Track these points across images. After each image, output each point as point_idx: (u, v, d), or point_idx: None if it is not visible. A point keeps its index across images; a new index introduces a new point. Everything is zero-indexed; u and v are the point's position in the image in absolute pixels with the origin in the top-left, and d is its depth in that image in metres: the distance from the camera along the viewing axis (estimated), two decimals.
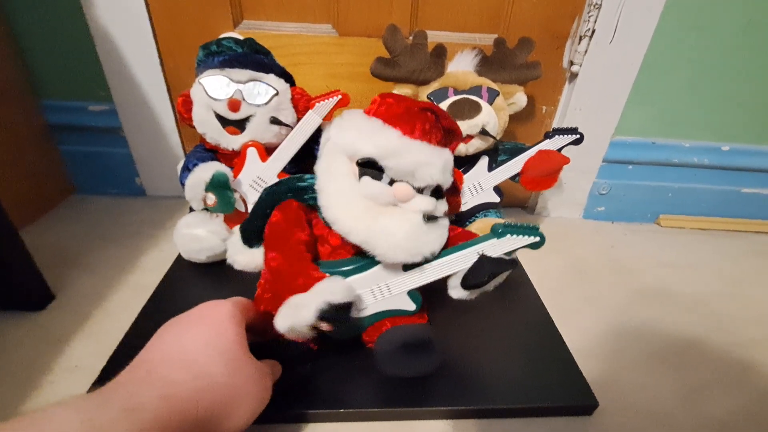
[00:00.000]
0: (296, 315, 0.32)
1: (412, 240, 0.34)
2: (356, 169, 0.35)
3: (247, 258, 0.48)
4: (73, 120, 0.66)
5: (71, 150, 0.69)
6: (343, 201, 0.35)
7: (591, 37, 0.61)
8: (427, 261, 0.37)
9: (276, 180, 0.51)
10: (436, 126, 0.35)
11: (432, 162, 0.34)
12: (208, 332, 0.30)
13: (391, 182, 0.35)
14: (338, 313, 0.32)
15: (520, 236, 0.36)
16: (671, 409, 0.42)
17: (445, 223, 0.38)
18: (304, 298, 0.33)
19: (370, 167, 0.35)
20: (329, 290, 0.33)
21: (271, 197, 0.41)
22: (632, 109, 0.68)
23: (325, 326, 0.33)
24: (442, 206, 0.37)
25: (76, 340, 0.44)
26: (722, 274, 0.65)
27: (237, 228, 0.45)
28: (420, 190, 0.35)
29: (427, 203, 0.35)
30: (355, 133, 0.35)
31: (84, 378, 0.39)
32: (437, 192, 0.37)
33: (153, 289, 0.49)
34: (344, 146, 0.36)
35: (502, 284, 0.40)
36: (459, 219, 0.58)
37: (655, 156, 0.72)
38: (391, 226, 0.34)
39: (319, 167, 0.38)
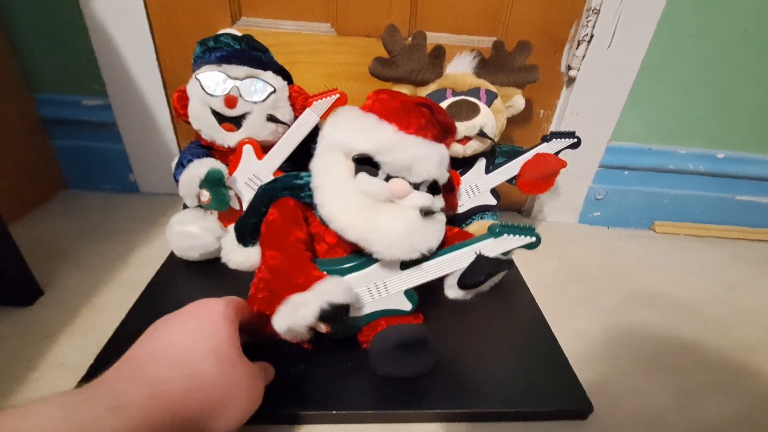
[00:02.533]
0: (296, 314, 0.32)
1: (409, 237, 0.34)
2: (352, 165, 0.35)
3: (242, 257, 0.47)
4: (66, 114, 0.65)
5: (64, 144, 0.68)
6: (339, 198, 0.35)
7: (589, 42, 0.61)
8: (424, 258, 0.36)
9: (272, 178, 0.51)
10: (432, 121, 0.35)
11: (428, 157, 0.34)
12: (200, 331, 0.29)
13: (388, 178, 0.34)
14: (338, 314, 0.32)
15: (517, 236, 0.36)
16: (665, 413, 0.42)
17: (441, 218, 0.37)
18: (305, 297, 0.32)
19: (366, 164, 0.34)
20: (330, 290, 0.33)
21: (266, 195, 0.40)
22: (629, 115, 0.68)
23: (323, 327, 0.33)
24: (438, 202, 0.37)
25: (64, 337, 0.43)
26: (716, 280, 0.66)
27: (231, 227, 0.44)
28: (416, 186, 0.35)
29: (424, 199, 0.35)
30: (351, 130, 0.35)
31: (70, 375, 0.38)
32: (434, 188, 0.37)
33: (144, 287, 0.48)
34: (339, 143, 0.35)
35: (498, 287, 0.40)
36: (456, 221, 0.58)
37: (651, 162, 0.73)
38: (387, 223, 0.34)
39: (315, 164, 0.37)
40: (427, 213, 0.35)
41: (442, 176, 0.36)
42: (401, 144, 0.34)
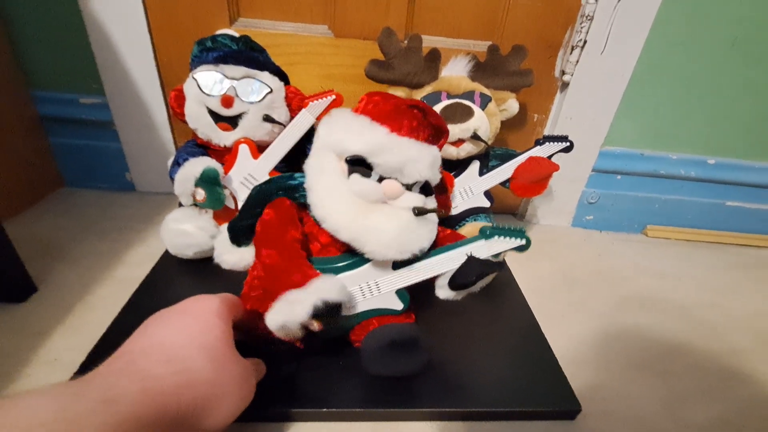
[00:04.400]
0: (290, 311, 0.32)
1: (402, 237, 0.35)
2: (345, 166, 0.35)
3: (236, 257, 0.48)
4: (64, 112, 0.65)
5: (61, 142, 0.68)
6: (332, 199, 0.35)
7: (583, 47, 0.62)
8: (416, 258, 0.37)
9: (267, 178, 0.51)
10: (424, 123, 0.36)
11: (420, 158, 0.35)
12: (193, 327, 0.30)
13: (380, 179, 0.35)
14: (332, 312, 0.32)
15: (507, 238, 0.37)
16: (653, 415, 0.43)
17: (433, 219, 0.38)
18: (300, 295, 0.33)
19: (358, 165, 0.35)
20: (325, 288, 0.33)
21: (261, 195, 0.40)
22: (622, 120, 0.69)
23: (316, 325, 0.33)
24: (431, 203, 0.38)
25: (57, 334, 0.43)
26: (706, 284, 0.66)
27: (224, 227, 0.45)
28: (409, 187, 0.35)
29: (416, 200, 0.36)
30: (344, 131, 0.35)
31: (62, 372, 0.39)
32: (426, 189, 0.37)
33: (138, 285, 0.49)
34: (333, 144, 0.36)
35: (490, 288, 0.41)
36: (449, 222, 0.58)
37: (644, 167, 0.73)
38: (380, 224, 0.34)
39: (309, 165, 0.38)
40: (420, 213, 0.35)
41: (435, 177, 0.37)
42: (394, 145, 0.34)
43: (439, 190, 0.40)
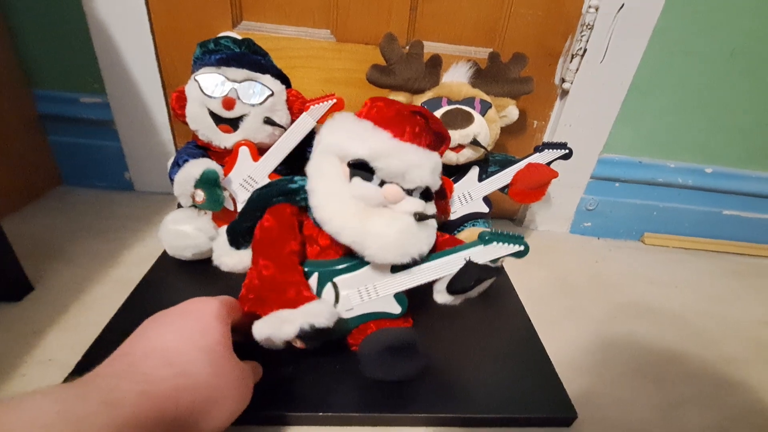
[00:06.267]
0: (278, 328, 0.33)
1: (402, 241, 0.35)
2: (347, 170, 0.36)
3: (234, 260, 0.47)
4: (64, 111, 0.65)
5: (61, 141, 0.68)
6: (333, 201, 0.35)
7: (582, 56, 0.63)
8: (415, 262, 0.37)
9: (266, 180, 0.51)
10: (426, 129, 0.36)
11: (422, 164, 0.35)
12: (193, 329, 0.30)
13: (382, 183, 0.35)
14: (318, 336, 0.33)
15: (506, 244, 0.37)
16: (649, 423, 0.43)
17: (433, 224, 0.38)
18: (291, 315, 0.33)
19: (360, 168, 0.35)
20: (316, 313, 0.34)
21: (261, 199, 0.40)
22: (620, 128, 0.69)
23: (299, 344, 0.34)
24: (430, 208, 0.38)
25: (52, 333, 0.43)
26: (702, 293, 0.67)
27: (223, 229, 0.45)
28: (409, 192, 0.36)
29: (417, 205, 0.36)
30: (347, 135, 0.36)
31: (57, 372, 0.38)
32: (426, 194, 0.37)
33: (135, 285, 0.48)
34: (335, 147, 0.36)
35: (488, 293, 0.41)
36: (448, 227, 0.58)
37: (642, 175, 0.74)
38: (381, 227, 0.34)
39: (311, 168, 0.38)
40: (421, 219, 0.35)
41: (435, 183, 0.37)
42: (396, 151, 0.34)
43: (439, 195, 0.41)
